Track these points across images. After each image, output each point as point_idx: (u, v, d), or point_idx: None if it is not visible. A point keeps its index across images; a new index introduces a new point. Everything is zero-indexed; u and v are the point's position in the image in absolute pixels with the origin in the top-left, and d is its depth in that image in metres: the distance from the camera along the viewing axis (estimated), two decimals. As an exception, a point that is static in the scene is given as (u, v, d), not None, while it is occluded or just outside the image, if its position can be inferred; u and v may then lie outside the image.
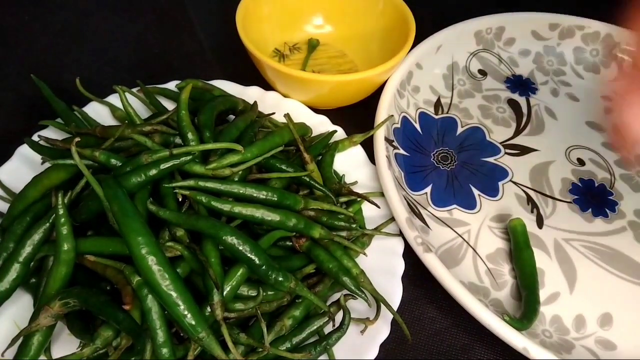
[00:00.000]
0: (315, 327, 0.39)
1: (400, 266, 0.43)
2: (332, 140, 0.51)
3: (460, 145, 0.55)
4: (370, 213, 0.47)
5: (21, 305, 0.39)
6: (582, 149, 0.56)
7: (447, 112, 0.58)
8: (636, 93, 0.32)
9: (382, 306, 0.40)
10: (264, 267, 0.36)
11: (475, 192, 0.51)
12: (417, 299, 0.45)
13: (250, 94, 0.53)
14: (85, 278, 0.38)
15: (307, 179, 0.44)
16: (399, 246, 0.44)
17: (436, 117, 0.58)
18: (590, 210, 0.51)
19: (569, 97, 0.61)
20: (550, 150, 0.55)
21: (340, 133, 0.52)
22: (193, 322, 0.33)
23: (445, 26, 0.61)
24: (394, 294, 0.41)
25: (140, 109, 0.51)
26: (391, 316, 0.40)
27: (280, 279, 0.37)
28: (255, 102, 0.51)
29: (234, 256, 0.37)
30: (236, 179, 0.41)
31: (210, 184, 0.39)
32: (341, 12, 0.63)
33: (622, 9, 0.36)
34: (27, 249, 0.36)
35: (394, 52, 0.52)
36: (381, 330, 0.39)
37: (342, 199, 0.46)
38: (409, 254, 0.43)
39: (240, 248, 0.36)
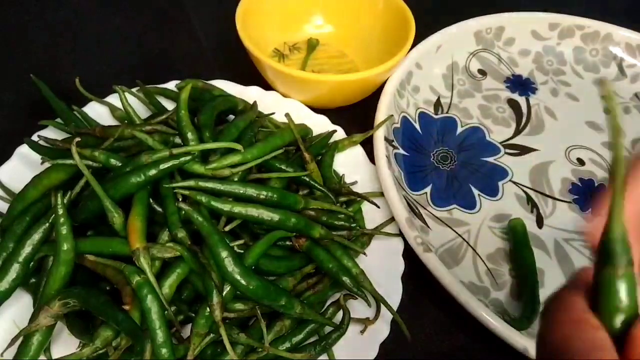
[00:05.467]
0: (314, 327, 0.39)
1: (400, 266, 0.43)
2: (331, 140, 0.51)
3: (460, 145, 0.55)
4: (370, 213, 0.47)
5: (21, 306, 0.38)
6: (582, 148, 0.56)
7: (447, 112, 0.58)
8: None
9: (382, 306, 0.40)
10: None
11: (475, 192, 0.51)
12: (417, 299, 0.45)
13: (250, 94, 0.53)
14: (85, 278, 0.38)
15: (307, 179, 0.44)
16: (399, 246, 0.44)
17: (436, 117, 0.58)
18: (590, 210, 0.51)
19: (569, 97, 0.61)
20: (550, 150, 0.55)
21: (340, 133, 0.52)
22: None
23: (445, 26, 0.61)
24: (394, 293, 0.41)
25: (140, 109, 0.50)
26: (391, 316, 0.40)
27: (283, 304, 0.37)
28: (255, 102, 0.51)
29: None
30: (236, 179, 0.41)
31: (210, 184, 0.39)
32: (341, 12, 0.63)
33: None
34: (27, 249, 0.36)
35: (394, 52, 0.52)
36: (381, 330, 0.39)
37: (342, 199, 0.46)
38: (409, 254, 0.43)
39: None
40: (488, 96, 0.61)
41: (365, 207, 0.47)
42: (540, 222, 0.49)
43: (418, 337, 0.43)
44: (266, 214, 0.39)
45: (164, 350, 0.33)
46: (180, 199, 0.39)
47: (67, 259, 0.36)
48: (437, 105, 0.59)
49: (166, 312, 0.35)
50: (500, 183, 0.52)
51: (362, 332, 0.39)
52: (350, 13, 0.62)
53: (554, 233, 0.49)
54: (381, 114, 0.51)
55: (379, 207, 0.46)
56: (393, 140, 0.51)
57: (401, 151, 0.52)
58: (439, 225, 0.48)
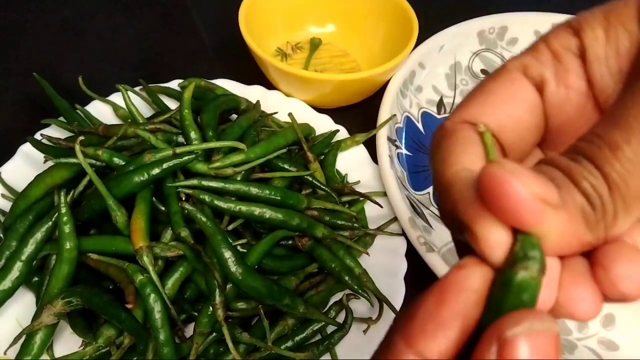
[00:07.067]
0: (317, 326, 0.39)
1: (402, 266, 0.43)
2: (334, 140, 0.51)
3: (463, 145, 0.55)
4: (373, 213, 0.46)
5: (24, 304, 0.38)
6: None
7: (450, 112, 0.58)
8: None
9: (385, 306, 0.40)
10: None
11: (478, 192, 0.51)
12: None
13: (252, 93, 0.53)
14: (88, 277, 0.38)
15: (310, 179, 0.44)
16: (402, 246, 0.44)
17: (439, 116, 0.58)
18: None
19: (572, 97, 0.61)
20: (553, 150, 0.55)
21: (343, 132, 0.52)
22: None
23: (448, 26, 0.60)
24: (397, 293, 0.41)
25: (143, 108, 0.51)
26: (394, 316, 0.40)
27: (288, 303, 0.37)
28: (258, 102, 0.51)
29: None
30: (239, 178, 0.41)
31: (213, 183, 0.39)
32: (344, 11, 0.63)
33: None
34: (30, 248, 0.36)
35: (397, 52, 0.52)
36: (384, 330, 0.39)
37: (345, 199, 0.46)
38: (412, 254, 0.43)
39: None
40: (491, 96, 0.61)
41: (368, 206, 0.47)
42: (543, 223, 0.49)
43: (420, 337, 0.42)
44: (269, 214, 0.39)
45: (166, 349, 0.33)
46: (183, 198, 0.39)
47: (70, 258, 0.36)
48: (440, 105, 0.59)
49: (169, 311, 0.35)
50: (503, 183, 0.52)
51: (364, 331, 0.39)
52: (353, 12, 0.62)
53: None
54: (384, 114, 0.51)
55: (381, 206, 0.46)
56: (396, 140, 0.51)
57: (404, 151, 0.52)
58: (442, 225, 0.48)
